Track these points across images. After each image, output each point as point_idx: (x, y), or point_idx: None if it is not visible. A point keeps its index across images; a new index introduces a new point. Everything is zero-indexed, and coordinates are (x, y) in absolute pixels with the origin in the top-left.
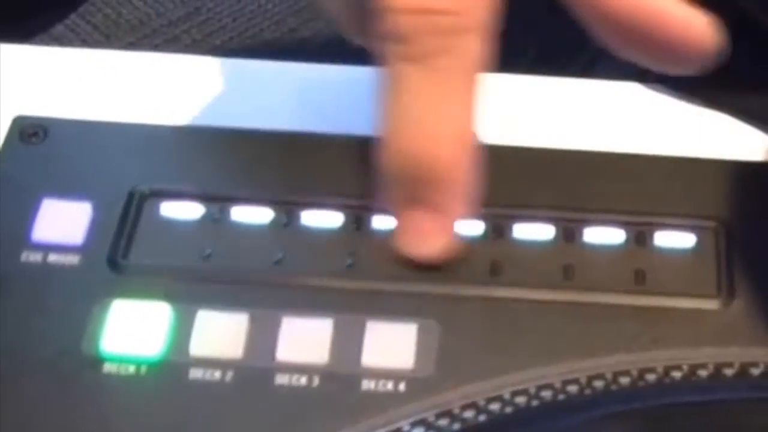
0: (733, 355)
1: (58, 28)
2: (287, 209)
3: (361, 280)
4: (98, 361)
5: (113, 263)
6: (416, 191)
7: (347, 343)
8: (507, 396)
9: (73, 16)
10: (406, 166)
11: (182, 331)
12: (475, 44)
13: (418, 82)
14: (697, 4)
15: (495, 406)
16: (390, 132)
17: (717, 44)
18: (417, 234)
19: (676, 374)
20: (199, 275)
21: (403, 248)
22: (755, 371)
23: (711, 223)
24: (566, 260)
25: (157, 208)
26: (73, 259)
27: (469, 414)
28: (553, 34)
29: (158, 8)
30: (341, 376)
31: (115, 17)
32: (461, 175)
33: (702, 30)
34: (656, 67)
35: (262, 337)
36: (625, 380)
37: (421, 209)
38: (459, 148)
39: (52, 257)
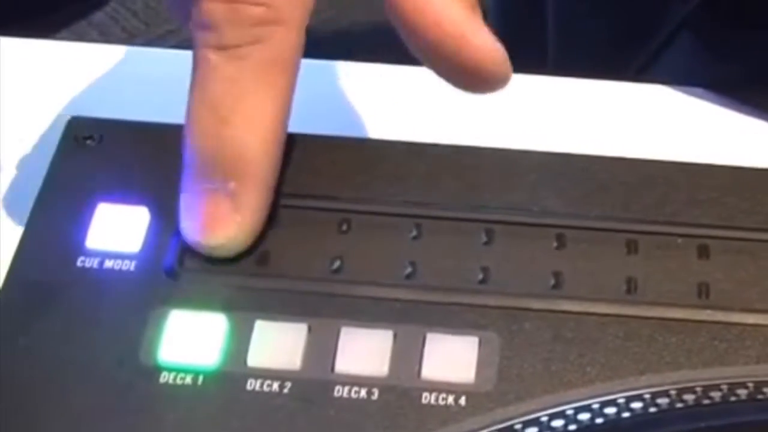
0: None
1: (98, 15)
2: (346, 216)
3: (421, 290)
4: (155, 370)
5: (169, 270)
6: (210, 176)
7: (407, 355)
8: (570, 412)
9: (113, 3)
10: (204, 150)
11: (240, 340)
12: (285, 36)
13: (222, 70)
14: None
15: (558, 423)
16: (191, 116)
17: (507, 71)
18: (208, 219)
19: (742, 392)
20: (257, 283)
21: (193, 235)
22: None
23: None
24: (629, 273)
25: None
26: (129, 265)
27: (531, 431)
28: (604, 36)
29: None
30: (401, 388)
31: (154, 5)
32: (258, 164)
33: (496, 57)
34: (456, 86)
35: (321, 348)
36: (689, 397)
37: (214, 195)
38: (259, 138)
39: (108, 263)
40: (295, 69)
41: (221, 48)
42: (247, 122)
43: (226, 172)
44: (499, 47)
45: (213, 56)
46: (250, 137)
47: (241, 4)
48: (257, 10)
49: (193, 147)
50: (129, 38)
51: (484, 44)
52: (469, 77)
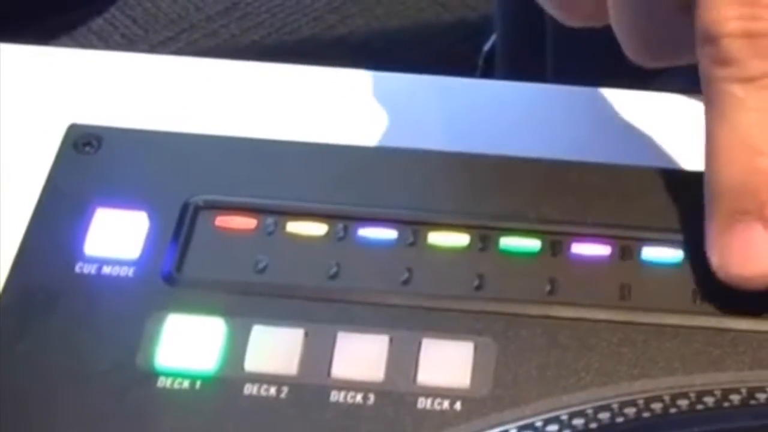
0: None
1: (98, 22)
2: (343, 222)
3: (417, 296)
4: (153, 375)
5: (167, 276)
6: (745, 205)
7: (403, 360)
8: (564, 417)
9: (112, 9)
10: (736, 181)
11: (237, 345)
12: None
13: (751, 102)
14: None
15: (552, 428)
16: (720, 151)
17: None
18: (744, 250)
19: (735, 397)
20: (255, 289)
21: (728, 267)
22: None
23: None
24: (622, 279)
25: (212, 220)
26: (127, 271)
27: None
28: (605, 45)
29: (197, 3)
30: (397, 394)
31: (154, 11)
32: None
33: None
34: None
35: (317, 353)
36: (683, 403)
37: (750, 225)
38: None
39: (106, 269)
40: None
41: (747, 81)
42: None
43: (763, 201)
44: None
45: (739, 90)
46: None
47: (763, 38)
48: None
49: (724, 180)
50: (128, 44)
51: None
52: None
